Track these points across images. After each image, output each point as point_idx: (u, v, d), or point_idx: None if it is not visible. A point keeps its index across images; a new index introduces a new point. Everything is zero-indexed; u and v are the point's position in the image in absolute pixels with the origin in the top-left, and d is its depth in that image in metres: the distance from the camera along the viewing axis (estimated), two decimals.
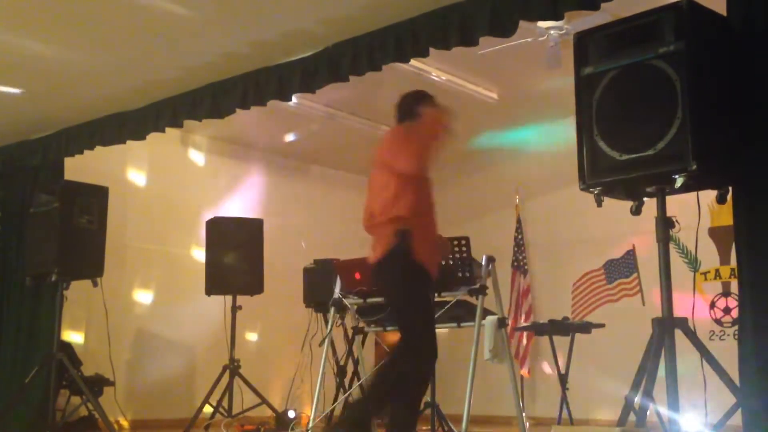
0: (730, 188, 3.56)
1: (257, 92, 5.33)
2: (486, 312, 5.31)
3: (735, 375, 3.53)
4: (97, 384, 6.77)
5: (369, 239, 4.44)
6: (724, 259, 7.85)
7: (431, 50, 4.59)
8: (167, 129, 6.04)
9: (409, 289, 4.13)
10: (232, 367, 7.00)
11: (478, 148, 9.62)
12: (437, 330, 5.15)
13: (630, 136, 3.46)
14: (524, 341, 9.00)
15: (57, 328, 6.13)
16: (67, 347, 6.60)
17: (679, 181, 3.34)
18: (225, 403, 7.00)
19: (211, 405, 6.94)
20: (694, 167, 3.25)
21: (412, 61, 6.48)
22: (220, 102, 5.52)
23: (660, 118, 3.36)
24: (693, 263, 7.65)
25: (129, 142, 6.17)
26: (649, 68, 3.44)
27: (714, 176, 3.46)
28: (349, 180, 9.99)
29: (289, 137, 8.90)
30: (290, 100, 5.37)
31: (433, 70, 7.45)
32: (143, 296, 7.97)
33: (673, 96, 3.33)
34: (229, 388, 7.01)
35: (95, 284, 6.18)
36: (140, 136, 6.07)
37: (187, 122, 5.87)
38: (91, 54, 5.29)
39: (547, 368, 8.61)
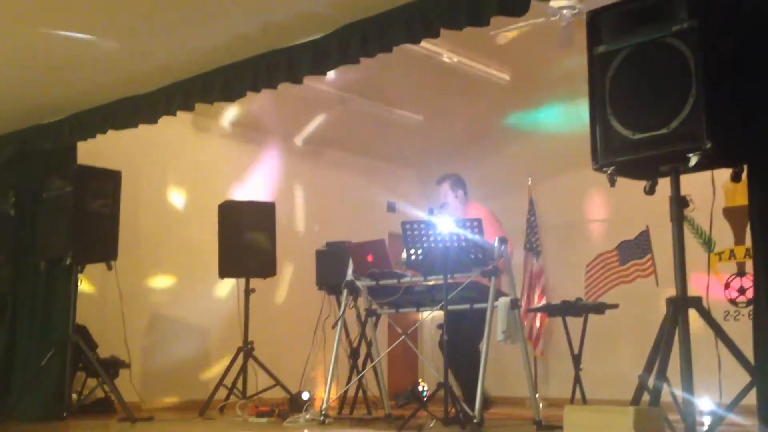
0: (745, 167, 3.53)
1: (268, 75, 5.31)
2: (499, 293, 5.31)
3: (750, 355, 3.52)
4: (113, 366, 6.82)
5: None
6: (739, 239, 7.81)
7: (442, 31, 4.55)
8: (179, 113, 6.04)
9: None
10: (246, 350, 7.04)
11: (490, 130, 9.60)
12: (450, 311, 5.17)
13: (643, 114, 3.44)
14: (537, 322, 9.00)
15: (72, 312, 6.17)
16: (83, 330, 6.64)
17: (693, 160, 3.31)
18: (239, 385, 7.04)
19: (225, 387, 6.98)
20: (709, 146, 3.23)
21: (423, 43, 6.46)
22: (230, 85, 5.50)
23: (674, 97, 3.33)
24: (707, 243, 7.62)
25: (142, 126, 6.17)
26: (662, 46, 3.41)
27: (728, 155, 3.43)
28: (361, 163, 9.99)
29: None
30: (301, 82, 5.34)
31: (444, 52, 7.41)
32: (157, 279, 8.01)
33: (687, 74, 3.30)
34: (243, 370, 7.04)
35: (109, 268, 6.22)
36: (152, 120, 6.07)
37: (199, 106, 5.86)
38: (102, 38, 5.29)
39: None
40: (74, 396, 6.59)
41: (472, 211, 5.86)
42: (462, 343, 5.32)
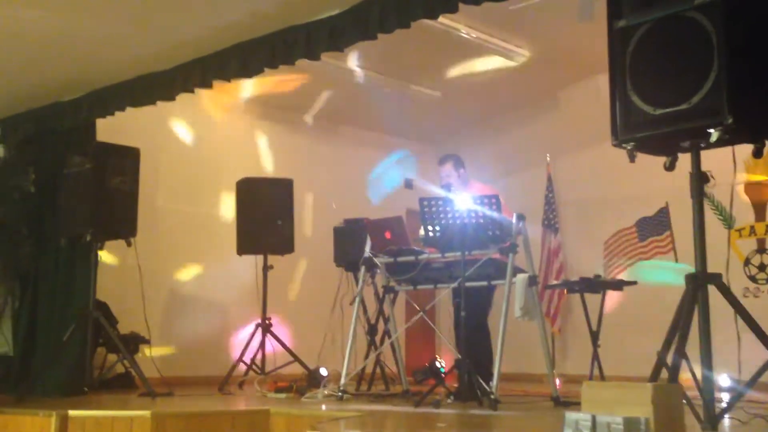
0: (767, 142, 3.49)
1: (285, 51, 5.29)
2: (517, 270, 5.30)
3: None
4: (133, 342, 6.89)
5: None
6: (760, 216, 7.74)
7: (461, 6, 4.51)
8: (197, 90, 6.04)
9: None
10: (265, 326, 7.08)
11: (508, 106, 9.55)
12: (468, 287, 5.18)
13: (664, 89, 3.40)
14: (555, 299, 8.99)
15: (92, 288, 6.22)
16: (103, 306, 6.71)
17: (715, 136, 3.28)
18: (258, 361, 7.09)
19: (244, 363, 7.04)
20: (730, 121, 3.20)
21: (441, 18, 6.40)
22: (248, 62, 5.49)
23: (695, 71, 3.30)
24: (727, 220, 7.57)
25: (160, 104, 6.18)
26: (684, 20, 3.37)
27: (750, 130, 3.40)
28: (378, 140, 9.96)
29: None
30: (318, 58, 5.32)
31: (462, 27, 7.36)
32: (176, 256, 8.05)
33: (709, 48, 3.27)
34: (262, 346, 7.09)
35: (129, 244, 6.26)
36: (170, 97, 6.07)
37: (216, 83, 5.86)
38: (119, 15, 5.29)
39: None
40: (95, 371, 6.66)
41: (475, 190, 5.84)
42: (468, 320, 5.28)
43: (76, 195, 6.26)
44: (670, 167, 3.70)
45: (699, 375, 3.45)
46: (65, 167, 6.42)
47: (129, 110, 6.37)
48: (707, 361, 3.40)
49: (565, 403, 5.18)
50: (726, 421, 3.77)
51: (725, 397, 4.56)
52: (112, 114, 6.44)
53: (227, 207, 7.54)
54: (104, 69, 6.08)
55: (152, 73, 6.04)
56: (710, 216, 7.40)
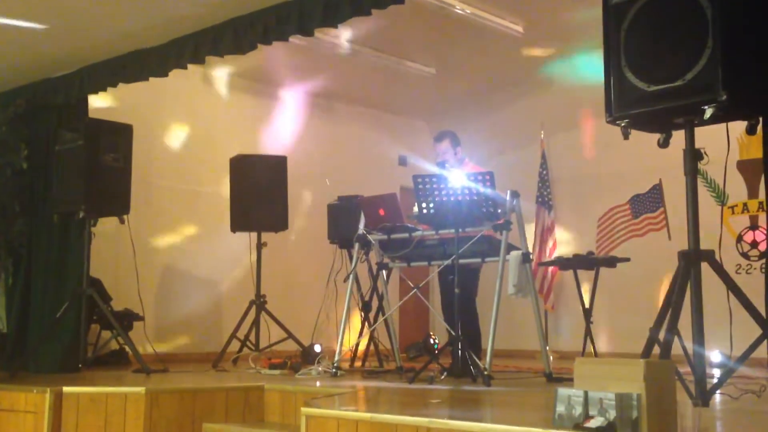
0: (761, 119, 3.49)
1: (279, 27, 5.25)
2: (510, 247, 5.31)
3: (761, 308, 3.53)
4: (127, 319, 6.89)
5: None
6: (753, 193, 7.76)
7: None
8: (190, 66, 6.00)
9: None
10: (259, 303, 7.09)
11: (502, 83, 9.51)
12: (461, 264, 5.19)
13: (659, 66, 3.39)
14: (549, 276, 9.02)
15: (86, 264, 6.21)
16: (97, 283, 6.70)
17: (709, 112, 3.28)
18: (252, 338, 7.11)
19: (238, 339, 7.06)
20: (724, 97, 3.19)
21: None
22: (241, 37, 5.45)
23: (690, 48, 3.29)
24: (720, 197, 7.58)
25: (153, 80, 6.14)
26: None
27: (744, 107, 3.40)
28: (373, 117, 9.94)
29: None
30: (312, 35, 5.28)
31: (456, 3, 7.31)
32: (170, 233, 8.04)
33: (704, 24, 3.25)
34: (256, 323, 7.11)
35: (122, 221, 6.25)
36: (162, 73, 6.03)
37: (209, 58, 5.83)
38: None
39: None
40: (89, 347, 6.67)
41: (470, 170, 5.82)
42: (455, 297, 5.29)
43: (69, 172, 6.24)
44: (663, 144, 3.70)
45: (691, 351, 3.46)
46: (57, 144, 6.39)
47: (122, 87, 6.33)
48: (699, 337, 3.42)
49: (557, 379, 5.20)
50: (717, 397, 3.80)
51: (717, 373, 4.59)
52: (104, 90, 6.41)
53: (221, 184, 7.51)
54: (96, 44, 6.04)
55: (145, 48, 6.00)
56: (703, 193, 7.42)
